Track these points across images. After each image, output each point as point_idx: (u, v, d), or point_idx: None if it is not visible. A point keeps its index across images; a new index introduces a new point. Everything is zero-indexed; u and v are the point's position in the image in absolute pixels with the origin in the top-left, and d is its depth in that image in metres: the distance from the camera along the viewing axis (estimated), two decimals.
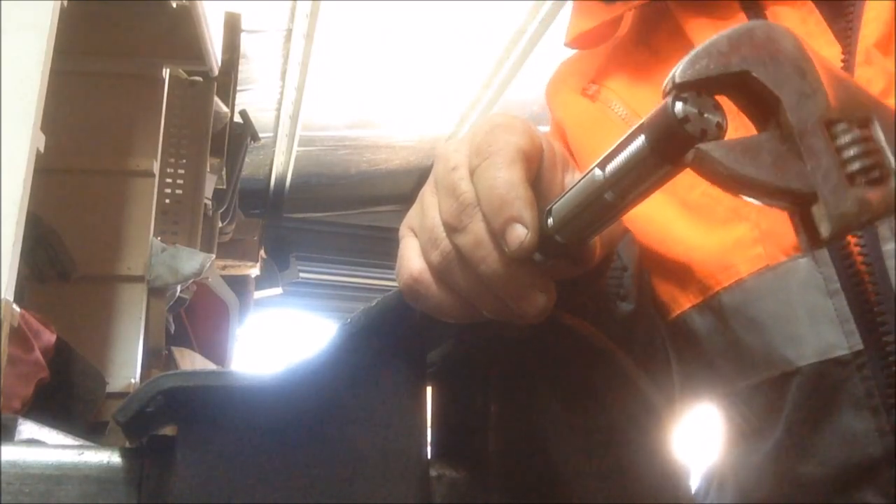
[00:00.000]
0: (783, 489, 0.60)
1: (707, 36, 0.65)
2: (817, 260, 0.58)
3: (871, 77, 0.58)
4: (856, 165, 0.39)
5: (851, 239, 0.57)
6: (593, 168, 0.44)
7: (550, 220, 0.47)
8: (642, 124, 0.41)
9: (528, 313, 0.47)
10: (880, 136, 0.40)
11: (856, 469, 0.55)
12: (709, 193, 0.64)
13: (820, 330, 0.57)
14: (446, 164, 0.50)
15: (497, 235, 0.46)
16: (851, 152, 0.39)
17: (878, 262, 0.56)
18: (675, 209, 0.67)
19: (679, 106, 0.39)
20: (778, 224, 0.60)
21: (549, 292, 0.47)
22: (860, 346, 0.55)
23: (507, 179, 0.46)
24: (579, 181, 0.45)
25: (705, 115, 0.39)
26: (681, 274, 0.67)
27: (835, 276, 0.57)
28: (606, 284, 0.62)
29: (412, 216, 0.53)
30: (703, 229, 0.65)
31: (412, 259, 0.50)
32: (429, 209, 0.50)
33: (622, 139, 0.42)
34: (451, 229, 0.48)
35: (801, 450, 0.58)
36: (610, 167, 0.43)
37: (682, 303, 0.67)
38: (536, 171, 0.50)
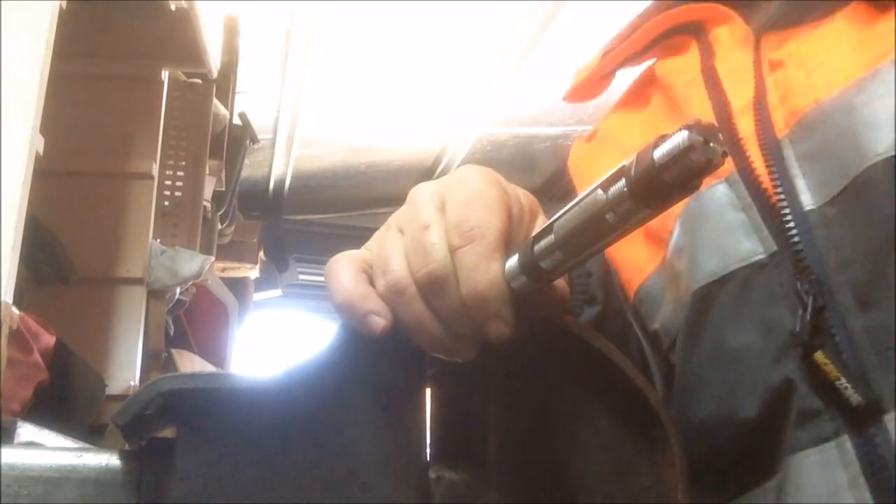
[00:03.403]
0: (710, 379, 0.63)
1: (673, 74, 0.74)
2: (730, 182, 0.63)
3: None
4: None
5: (753, 159, 0.62)
6: (596, 189, 0.44)
7: (543, 242, 0.48)
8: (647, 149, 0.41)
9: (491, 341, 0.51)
10: None
11: (776, 351, 0.59)
12: None
13: (739, 240, 0.62)
14: (416, 219, 0.52)
15: (476, 325, 0.50)
16: None
17: (781, 174, 0.61)
18: None
19: (685, 134, 0.39)
20: None
21: (511, 324, 0.50)
22: (774, 249, 0.60)
23: (488, 279, 0.49)
24: (582, 200, 0.45)
25: (711, 145, 0.39)
26: (640, 245, 0.71)
27: (745, 192, 0.62)
28: (572, 292, 0.64)
29: (371, 244, 0.55)
30: None
31: (368, 300, 0.52)
32: (392, 254, 0.52)
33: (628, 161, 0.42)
34: (426, 290, 0.51)
35: (725, 348, 0.62)
36: (613, 189, 0.43)
37: (646, 270, 0.71)
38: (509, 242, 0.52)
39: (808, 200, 0.59)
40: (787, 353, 0.58)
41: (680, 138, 0.39)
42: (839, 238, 0.57)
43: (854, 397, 0.54)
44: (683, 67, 0.73)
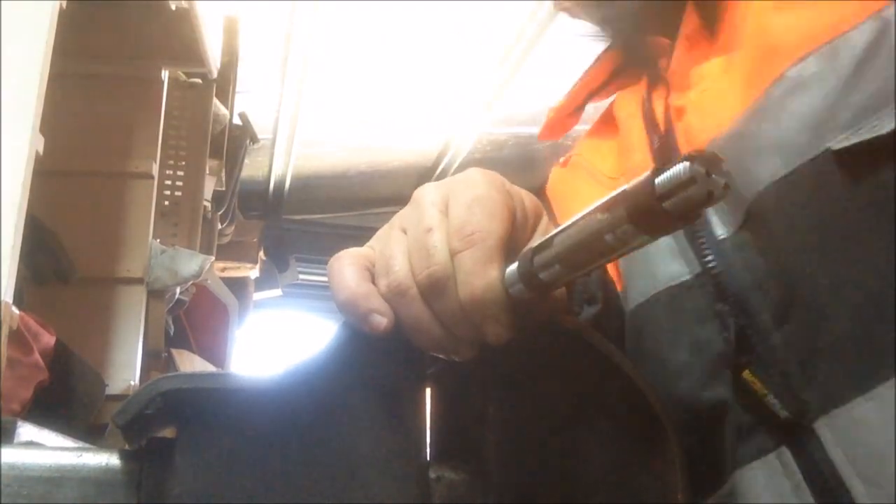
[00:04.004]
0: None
1: (625, 106, 0.76)
2: None
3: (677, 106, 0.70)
4: None
5: None
6: (597, 209, 0.44)
7: (543, 255, 0.47)
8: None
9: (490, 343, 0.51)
10: None
11: (708, 370, 0.62)
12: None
13: (668, 262, 0.66)
14: (420, 221, 0.52)
15: (474, 328, 0.50)
16: None
17: None
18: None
19: (686, 165, 0.38)
20: None
21: (508, 328, 0.50)
22: (699, 269, 0.63)
23: (485, 284, 0.49)
24: (583, 217, 0.45)
25: (713, 177, 0.38)
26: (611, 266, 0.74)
27: None
28: (573, 291, 0.66)
29: (374, 243, 0.55)
30: None
31: (370, 299, 0.52)
32: (395, 254, 0.52)
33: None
34: (427, 292, 0.51)
35: (663, 367, 0.65)
36: (613, 212, 0.42)
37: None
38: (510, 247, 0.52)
39: (720, 231, 0.62)
40: (717, 373, 0.61)
41: (681, 169, 0.38)
42: (752, 260, 0.60)
43: (782, 412, 0.56)
44: (627, 99, 0.77)
